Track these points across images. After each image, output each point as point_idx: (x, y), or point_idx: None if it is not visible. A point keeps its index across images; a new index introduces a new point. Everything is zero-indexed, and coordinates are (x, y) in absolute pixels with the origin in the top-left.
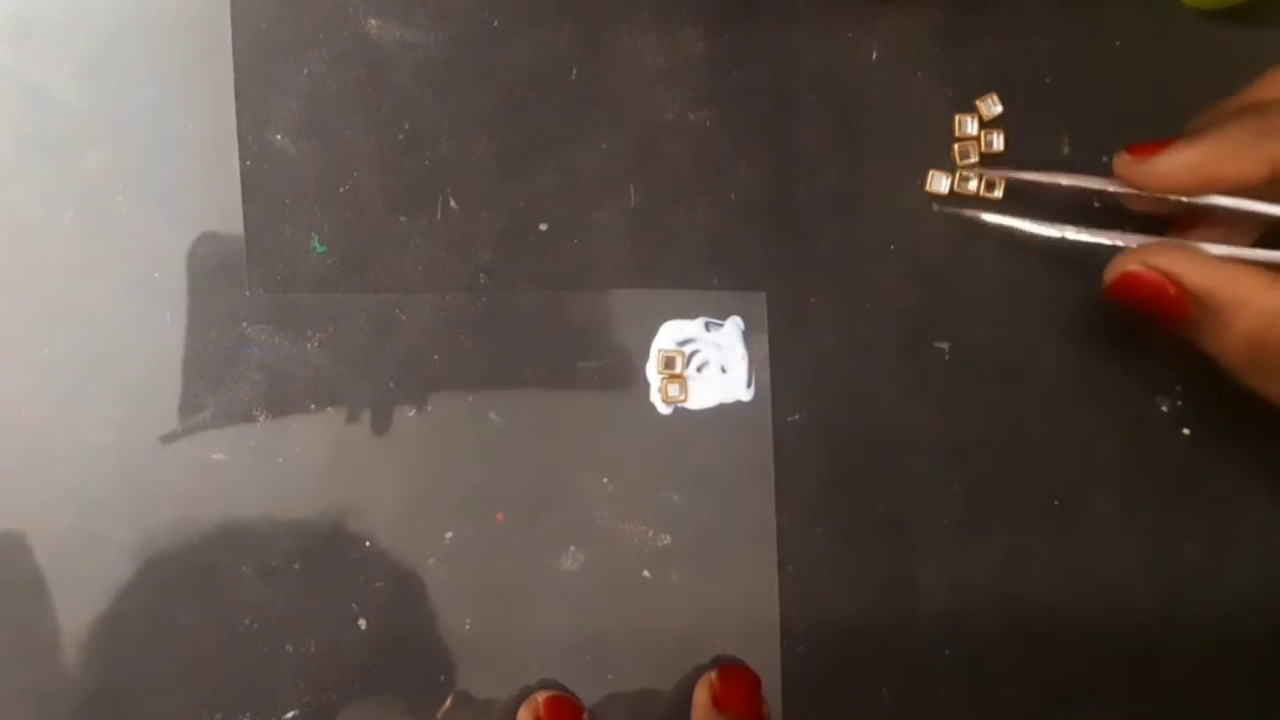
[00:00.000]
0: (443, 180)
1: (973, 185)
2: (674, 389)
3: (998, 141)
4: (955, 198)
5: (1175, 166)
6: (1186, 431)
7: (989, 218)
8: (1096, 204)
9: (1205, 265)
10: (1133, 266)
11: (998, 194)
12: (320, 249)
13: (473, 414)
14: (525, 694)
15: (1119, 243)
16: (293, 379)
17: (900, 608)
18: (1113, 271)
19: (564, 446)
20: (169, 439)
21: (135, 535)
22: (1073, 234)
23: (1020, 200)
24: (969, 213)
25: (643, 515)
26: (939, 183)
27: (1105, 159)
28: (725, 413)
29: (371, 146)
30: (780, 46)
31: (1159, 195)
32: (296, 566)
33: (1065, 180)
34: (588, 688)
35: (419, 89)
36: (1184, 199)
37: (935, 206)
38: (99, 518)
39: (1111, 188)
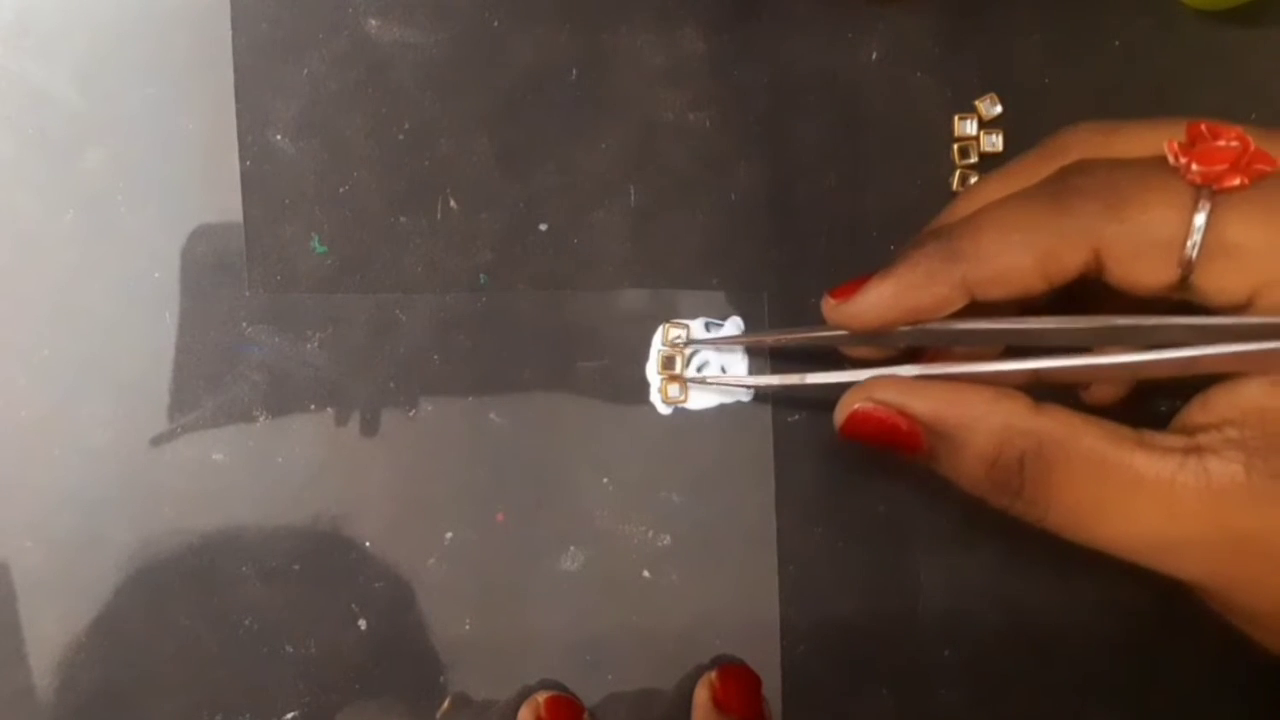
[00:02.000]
0: (443, 180)
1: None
2: (674, 389)
3: (997, 142)
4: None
5: (873, 304)
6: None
7: (728, 381)
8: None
9: (930, 391)
10: (859, 404)
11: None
12: (320, 249)
13: (472, 414)
14: (525, 694)
15: (860, 378)
16: (292, 379)
17: (900, 608)
18: (840, 412)
19: (564, 446)
20: (168, 439)
21: (134, 535)
22: (813, 378)
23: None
24: (709, 380)
25: (643, 515)
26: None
27: None
28: (725, 413)
29: (371, 146)
30: (780, 46)
31: (868, 336)
32: (296, 567)
33: (770, 339)
34: (588, 688)
35: (419, 89)
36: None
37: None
38: (98, 518)
39: (830, 333)
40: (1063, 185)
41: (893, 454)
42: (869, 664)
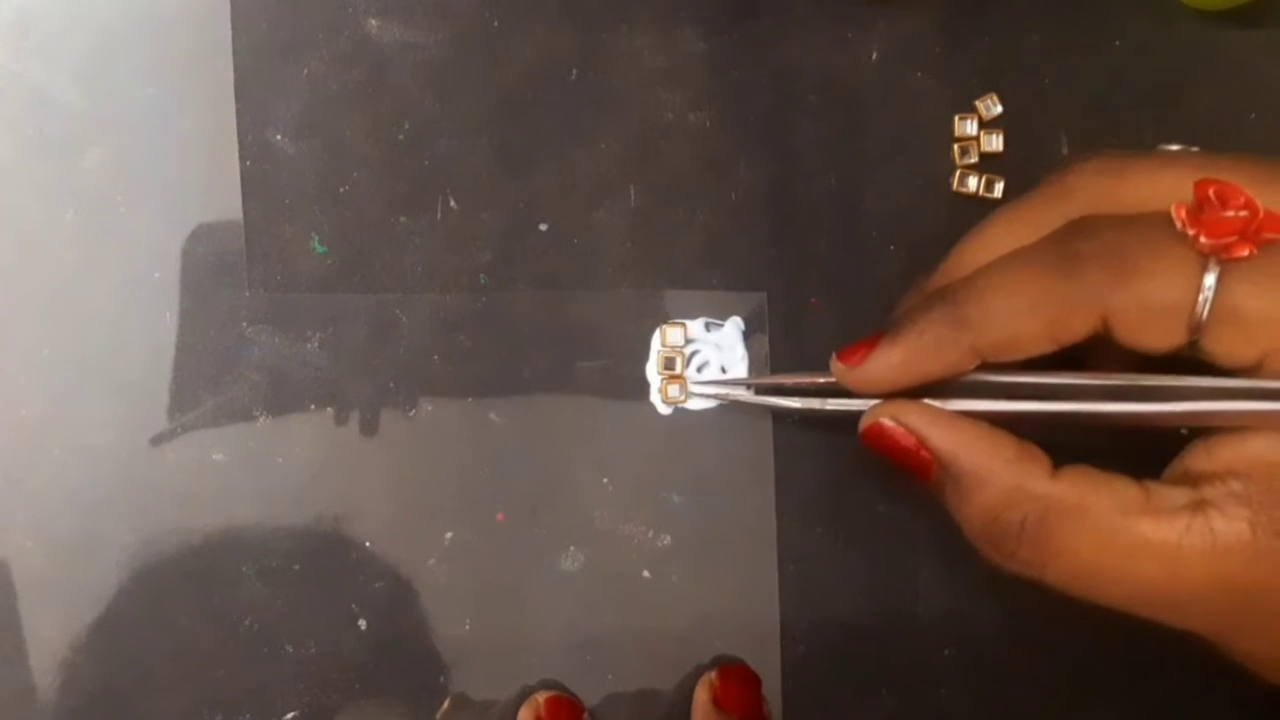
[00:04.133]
0: (443, 180)
1: (972, 184)
2: (674, 389)
3: (997, 142)
4: (979, 199)
5: (882, 370)
6: (1185, 431)
7: (747, 399)
8: None
9: (954, 429)
10: (884, 420)
11: (997, 193)
12: (320, 249)
13: (472, 414)
14: (525, 694)
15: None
16: (292, 379)
17: (900, 608)
18: (865, 420)
19: (564, 446)
20: (168, 439)
21: (134, 536)
22: (833, 404)
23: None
24: (729, 394)
25: (643, 515)
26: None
27: None
28: (725, 413)
29: (371, 146)
30: (780, 46)
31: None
32: (296, 567)
33: (790, 381)
34: (588, 688)
35: (419, 89)
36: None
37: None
38: (98, 518)
39: (828, 379)
40: (1069, 249)
41: (902, 474)
42: (869, 664)
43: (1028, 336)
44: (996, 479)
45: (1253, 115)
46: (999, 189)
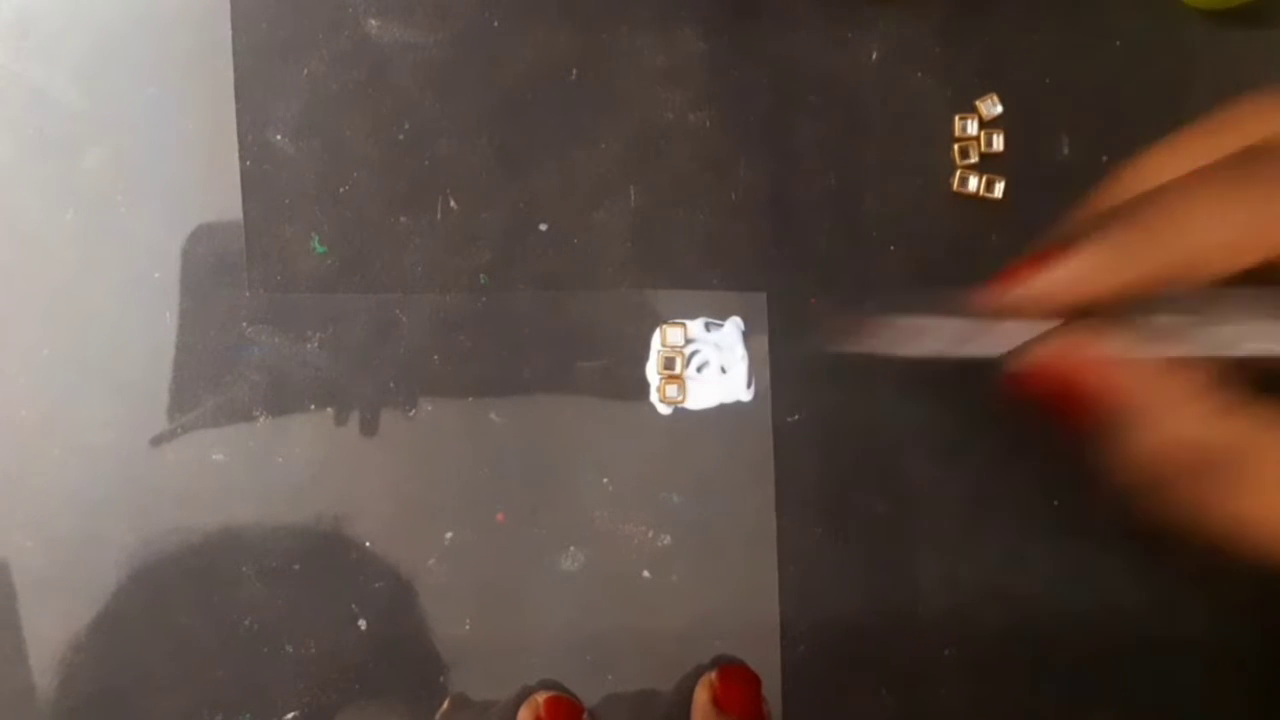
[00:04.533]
0: (443, 180)
1: (972, 184)
2: (673, 389)
3: (997, 142)
4: (979, 199)
5: (1054, 287)
6: None
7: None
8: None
9: (1123, 365)
10: (1054, 351)
11: (997, 193)
12: (320, 249)
13: (472, 414)
14: (525, 694)
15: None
16: (293, 379)
17: (900, 608)
18: (1029, 356)
19: (564, 446)
20: (168, 439)
21: (134, 535)
22: (970, 349)
23: (1019, 203)
24: (866, 350)
25: (643, 515)
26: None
27: (1105, 159)
28: (725, 413)
29: (371, 146)
30: (780, 46)
31: (1041, 319)
32: (296, 567)
33: (944, 321)
34: (588, 688)
35: (419, 89)
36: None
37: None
38: (98, 518)
39: (992, 317)
40: (1256, 162)
41: (1061, 412)
42: (869, 664)
43: (1219, 251)
44: (1170, 417)
45: None
46: (999, 189)
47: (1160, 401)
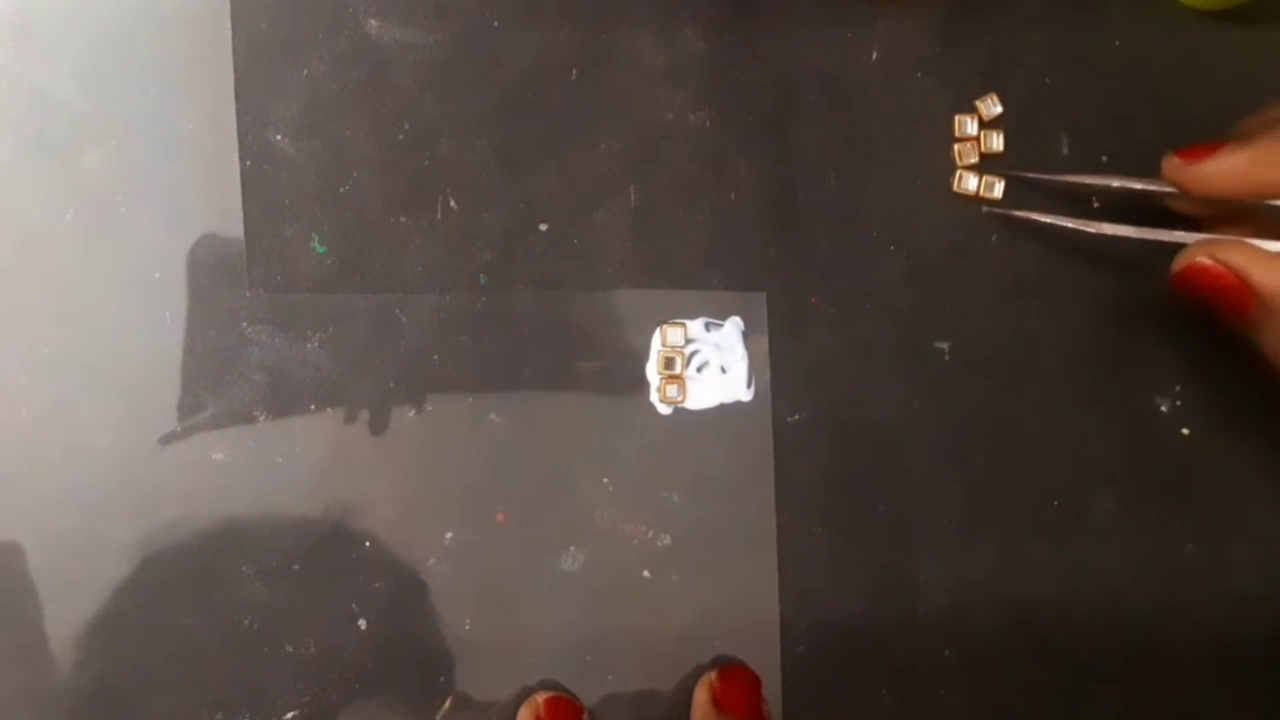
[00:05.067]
0: (443, 180)
1: (972, 184)
2: (673, 389)
3: (997, 142)
4: (979, 199)
5: (1225, 171)
6: (1186, 431)
7: (1044, 218)
8: (1096, 203)
9: (1274, 265)
10: (1201, 259)
11: (997, 193)
12: (320, 249)
13: (473, 414)
14: (525, 694)
15: (1178, 239)
16: (293, 379)
17: (900, 608)
18: (1180, 262)
19: (564, 446)
20: (169, 439)
21: (135, 535)
22: (1129, 231)
23: (1017, 203)
24: (1022, 214)
25: (643, 515)
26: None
27: (1104, 159)
28: (725, 413)
29: (371, 146)
30: (780, 46)
31: (1206, 199)
32: (296, 567)
33: (1115, 182)
34: (588, 688)
35: (419, 89)
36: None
37: (985, 209)
38: (99, 518)
39: (1156, 187)
40: None
41: (1215, 311)
42: (869, 664)
43: None
44: None
45: None
46: (999, 189)
47: None
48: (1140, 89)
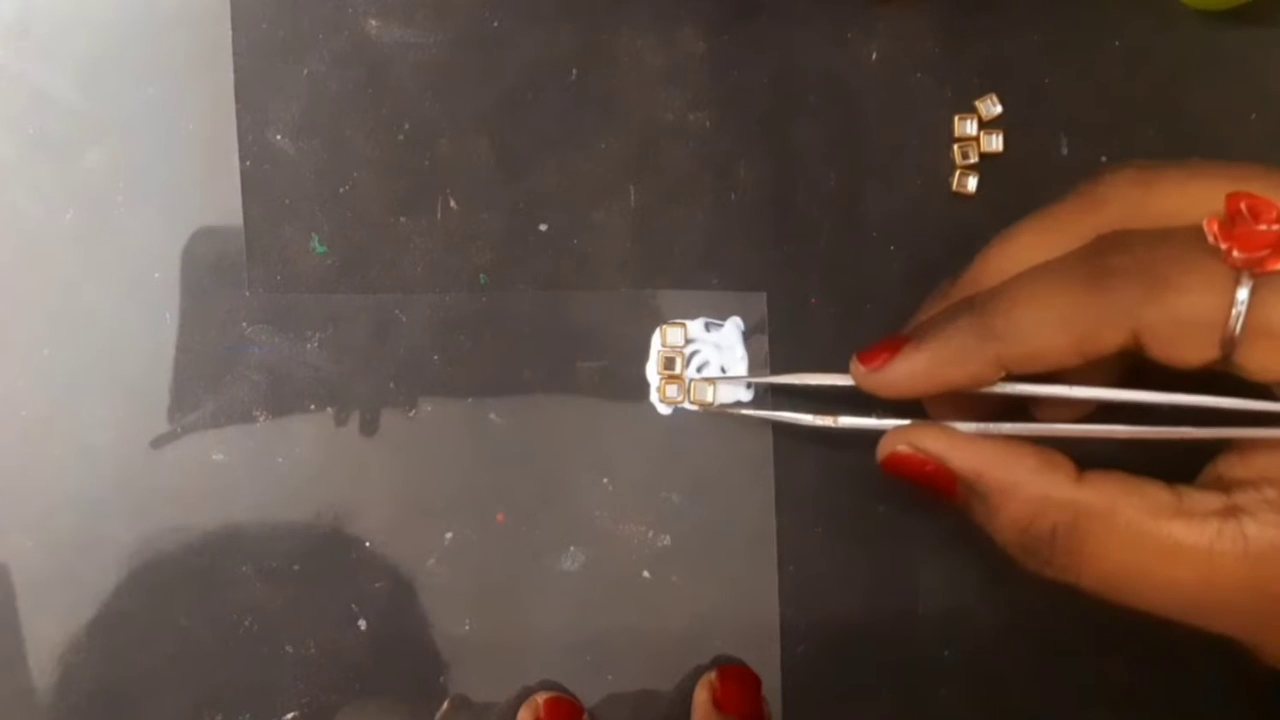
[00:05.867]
0: (443, 180)
1: (971, 184)
2: (673, 389)
3: (997, 142)
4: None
5: (904, 375)
6: None
7: (753, 414)
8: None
9: (973, 448)
10: (900, 447)
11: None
12: (320, 249)
13: (472, 414)
14: (525, 695)
15: (886, 425)
16: (292, 379)
17: (900, 608)
18: (882, 450)
19: (564, 447)
20: (168, 439)
21: (134, 535)
22: (844, 421)
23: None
24: (758, 413)
25: (643, 515)
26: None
27: (1104, 159)
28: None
29: (371, 146)
30: (780, 46)
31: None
32: (296, 567)
33: (814, 380)
34: (588, 688)
35: (419, 89)
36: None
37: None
38: (98, 518)
39: (846, 382)
40: (1100, 264)
41: (929, 492)
42: (869, 664)
43: (1056, 350)
44: (1022, 491)
45: (1253, 115)
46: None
47: (1006, 480)
48: (1140, 89)
